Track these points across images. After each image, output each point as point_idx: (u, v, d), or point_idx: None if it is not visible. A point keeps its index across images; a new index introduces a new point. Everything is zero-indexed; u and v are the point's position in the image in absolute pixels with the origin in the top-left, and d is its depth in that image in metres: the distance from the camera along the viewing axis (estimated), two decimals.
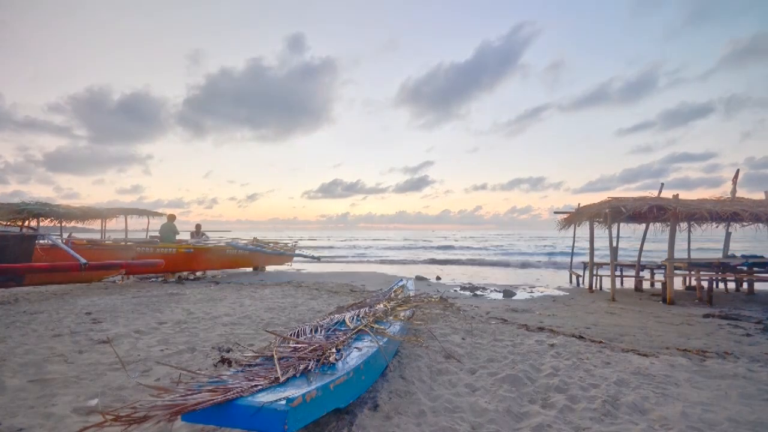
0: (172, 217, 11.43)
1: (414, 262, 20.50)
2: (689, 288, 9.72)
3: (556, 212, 10.62)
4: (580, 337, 4.45)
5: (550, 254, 24.51)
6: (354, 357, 2.27)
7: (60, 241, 8.93)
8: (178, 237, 11.49)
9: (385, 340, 2.72)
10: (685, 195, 8.14)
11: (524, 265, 17.42)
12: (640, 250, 10.46)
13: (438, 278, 12.26)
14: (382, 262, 20.94)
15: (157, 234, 12.53)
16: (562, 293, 9.18)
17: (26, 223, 10.68)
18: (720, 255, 9.90)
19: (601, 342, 4.28)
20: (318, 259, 16.43)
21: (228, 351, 3.53)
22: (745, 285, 9.23)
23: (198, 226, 13.03)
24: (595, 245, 9.47)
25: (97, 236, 14.15)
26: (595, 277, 9.71)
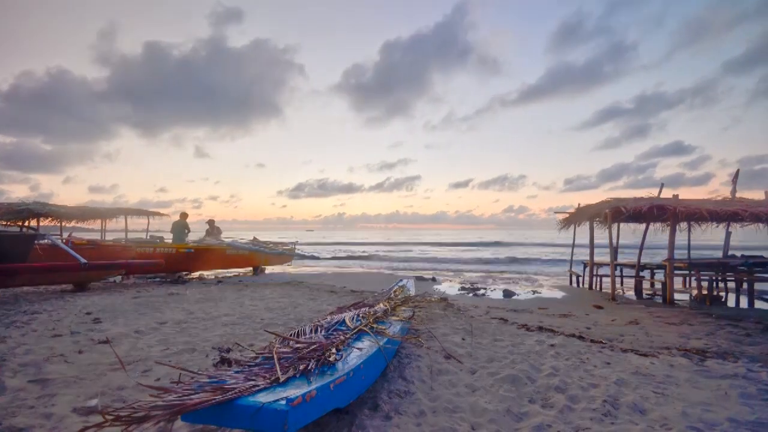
0: (184, 215, 11.45)
1: (412, 260, 20.51)
2: (689, 288, 9.72)
3: (556, 212, 10.63)
4: (580, 337, 4.44)
5: (549, 254, 24.50)
6: (354, 357, 2.27)
7: (60, 241, 8.93)
8: (189, 234, 11.51)
9: (385, 340, 2.72)
10: (668, 192, 8.24)
11: (523, 265, 17.42)
12: (640, 250, 10.46)
13: (436, 278, 12.26)
14: (380, 263, 20.94)
15: (156, 234, 12.53)
16: (562, 293, 9.18)
17: (26, 223, 10.68)
18: (720, 255, 9.90)
19: (601, 342, 4.28)
20: (318, 259, 16.44)
21: (228, 351, 3.52)
22: (745, 285, 9.22)
23: (211, 222, 12.65)
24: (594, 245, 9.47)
25: (97, 236, 14.15)
26: (595, 277, 9.72)
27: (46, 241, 8.10)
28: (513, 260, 20.60)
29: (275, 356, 2.08)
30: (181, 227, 11.16)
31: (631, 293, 9.35)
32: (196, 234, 12.39)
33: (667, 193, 8.36)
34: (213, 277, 11.56)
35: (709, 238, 9.96)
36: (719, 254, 9.57)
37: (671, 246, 7.65)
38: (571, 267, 11.42)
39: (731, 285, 9.40)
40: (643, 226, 10.33)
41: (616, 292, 8.40)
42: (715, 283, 8.70)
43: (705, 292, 8.14)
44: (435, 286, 10.19)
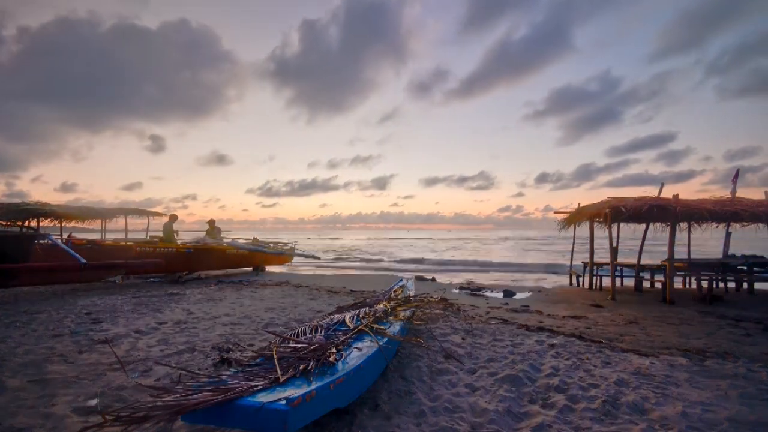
0: (173, 218, 11.52)
1: (412, 260, 20.50)
2: (689, 288, 9.73)
3: (556, 212, 10.62)
4: (580, 337, 4.45)
5: (549, 253, 24.50)
6: (354, 357, 2.27)
7: (60, 241, 8.92)
8: (189, 235, 11.64)
9: (385, 340, 2.72)
10: (653, 189, 8.34)
11: (523, 265, 17.41)
12: (640, 250, 10.45)
13: (435, 278, 12.26)
14: (380, 262, 20.95)
15: (157, 234, 12.57)
16: (562, 293, 9.18)
17: (26, 223, 10.69)
18: (720, 255, 9.90)
19: (601, 342, 4.28)
20: (318, 259, 16.43)
21: (228, 351, 3.52)
22: (745, 285, 9.22)
23: (212, 222, 12.65)
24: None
25: (97, 236, 14.15)
26: (595, 277, 9.71)
27: (46, 241, 8.09)
28: (512, 260, 20.59)
29: (275, 356, 2.09)
30: (167, 229, 11.26)
31: (631, 293, 9.34)
32: (195, 234, 12.43)
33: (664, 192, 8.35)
34: (213, 277, 11.57)
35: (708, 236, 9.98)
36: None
37: (671, 246, 7.65)
38: (571, 267, 11.42)
39: (731, 285, 9.41)
40: (643, 226, 10.33)
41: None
42: (715, 283, 8.70)
43: (705, 292, 8.13)
44: (435, 286, 10.18)
